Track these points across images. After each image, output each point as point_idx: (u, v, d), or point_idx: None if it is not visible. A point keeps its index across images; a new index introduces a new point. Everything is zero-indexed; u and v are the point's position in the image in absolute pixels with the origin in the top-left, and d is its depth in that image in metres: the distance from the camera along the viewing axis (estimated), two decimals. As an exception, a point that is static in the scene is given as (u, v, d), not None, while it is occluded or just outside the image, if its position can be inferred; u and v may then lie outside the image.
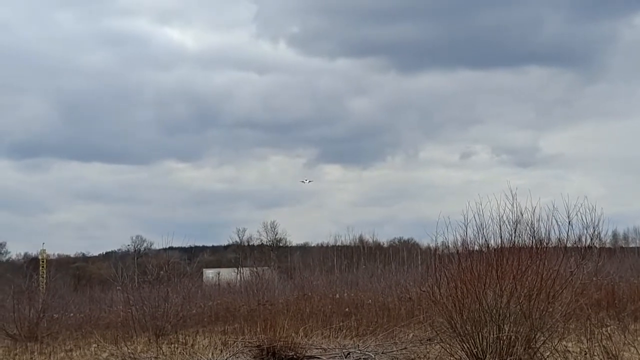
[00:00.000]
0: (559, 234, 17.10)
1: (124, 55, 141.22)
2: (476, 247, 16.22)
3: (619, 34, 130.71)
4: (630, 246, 74.80)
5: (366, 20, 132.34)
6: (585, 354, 15.18)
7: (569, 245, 17.89)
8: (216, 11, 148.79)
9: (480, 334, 14.68)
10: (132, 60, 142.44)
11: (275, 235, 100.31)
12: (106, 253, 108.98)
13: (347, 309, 25.40)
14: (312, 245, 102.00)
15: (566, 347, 15.97)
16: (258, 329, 19.86)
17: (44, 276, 48.21)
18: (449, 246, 17.22)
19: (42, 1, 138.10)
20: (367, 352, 17.12)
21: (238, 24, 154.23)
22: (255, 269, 56.09)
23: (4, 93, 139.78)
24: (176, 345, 20.96)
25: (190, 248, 78.16)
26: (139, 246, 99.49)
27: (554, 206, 16.41)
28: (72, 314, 29.27)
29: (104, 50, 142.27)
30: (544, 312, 14.69)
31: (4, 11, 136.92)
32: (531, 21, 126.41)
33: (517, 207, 15.78)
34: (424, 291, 19.88)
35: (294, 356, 16.98)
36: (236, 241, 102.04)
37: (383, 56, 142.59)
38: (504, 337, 14.41)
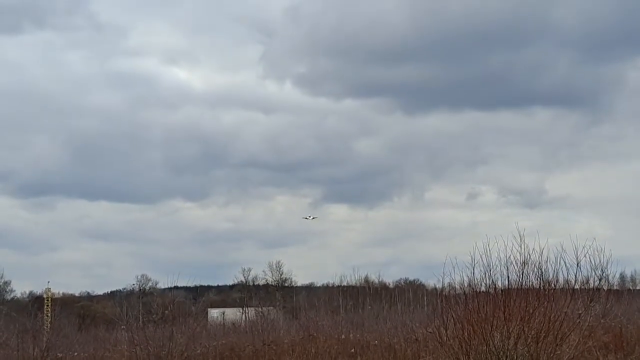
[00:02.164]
0: (567, 276, 17.05)
1: (132, 96, 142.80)
2: (483, 288, 16.17)
3: (625, 76, 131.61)
4: (638, 288, 74.29)
5: (372, 62, 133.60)
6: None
7: (576, 287, 17.81)
8: (223, 52, 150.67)
9: (487, 376, 14.55)
10: (140, 100, 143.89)
11: (281, 275, 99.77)
12: (111, 292, 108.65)
13: (352, 350, 25.21)
14: (318, 285, 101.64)
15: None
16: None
17: (49, 315, 48.14)
18: (455, 287, 17.17)
19: (52, 42, 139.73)
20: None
21: (245, 65, 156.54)
22: (260, 309, 55.91)
23: (13, 132, 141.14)
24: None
25: (196, 287, 77.71)
26: (144, 285, 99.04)
27: (562, 247, 16.39)
28: (76, 353, 29.07)
29: (113, 91, 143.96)
30: (551, 355, 14.58)
31: (15, 52, 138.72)
32: (538, 63, 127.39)
33: (524, 248, 15.76)
34: (430, 332, 19.76)
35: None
36: (241, 281, 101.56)
37: (389, 97, 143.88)
38: (512, 380, 14.28)
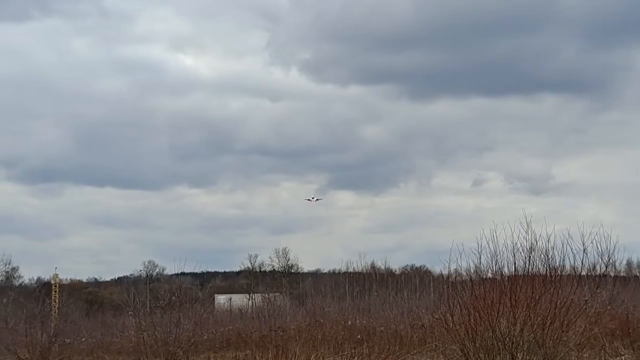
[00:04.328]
0: (574, 262, 17.04)
1: (138, 82, 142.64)
2: (489, 275, 16.18)
3: (632, 62, 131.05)
4: (645, 275, 74.11)
5: (378, 48, 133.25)
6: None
7: (583, 273, 17.81)
8: (229, 39, 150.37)
9: (493, 362, 14.59)
10: (147, 87, 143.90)
11: (287, 262, 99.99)
12: (118, 278, 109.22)
13: (359, 336, 25.27)
14: (324, 271, 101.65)
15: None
16: (270, 356, 19.79)
17: (57, 301, 48.35)
18: (462, 273, 17.18)
19: (58, 29, 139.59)
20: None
21: (251, 51, 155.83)
22: (267, 295, 56.03)
23: (20, 119, 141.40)
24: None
25: (202, 274, 78.09)
26: (151, 271, 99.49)
27: (569, 234, 16.37)
28: (83, 339, 29.23)
29: (119, 77, 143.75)
30: (557, 341, 14.59)
31: (20, 38, 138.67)
32: (545, 49, 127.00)
33: (531, 235, 15.76)
34: (436, 318, 19.79)
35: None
36: (248, 267, 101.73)
37: (395, 83, 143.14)
38: (518, 366, 14.31)
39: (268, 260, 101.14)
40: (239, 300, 65.09)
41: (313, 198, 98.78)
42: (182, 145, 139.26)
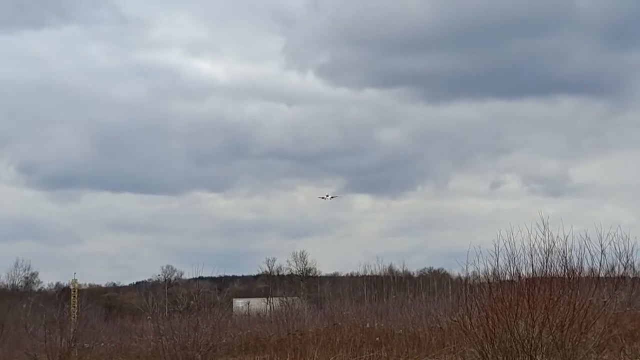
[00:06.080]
0: (592, 264, 16.97)
1: (155, 87, 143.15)
2: (507, 277, 16.14)
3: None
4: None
5: (393, 51, 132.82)
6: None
7: (601, 274, 17.74)
8: (246, 43, 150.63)
9: (512, 364, 14.55)
10: (164, 92, 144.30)
11: (305, 265, 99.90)
12: (137, 283, 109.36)
13: (377, 339, 25.26)
14: (342, 275, 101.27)
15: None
16: (288, 359, 19.82)
17: (76, 306, 48.59)
18: (479, 276, 17.15)
19: (75, 35, 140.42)
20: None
21: (267, 56, 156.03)
22: (285, 298, 56.12)
23: (38, 125, 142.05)
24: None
25: (220, 278, 78.23)
26: (169, 276, 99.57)
27: (586, 235, 16.31)
28: (102, 344, 29.39)
29: (136, 83, 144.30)
30: (576, 343, 14.53)
31: (38, 45, 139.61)
32: (561, 51, 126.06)
33: (548, 237, 15.71)
34: (454, 321, 19.75)
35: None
36: (266, 271, 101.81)
37: (411, 86, 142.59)
38: (536, 368, 14.26)
39: (286, 264, 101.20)
40: (257, 304, 65.22)
41: (327, 196, 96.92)
42: (199, 149, 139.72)
